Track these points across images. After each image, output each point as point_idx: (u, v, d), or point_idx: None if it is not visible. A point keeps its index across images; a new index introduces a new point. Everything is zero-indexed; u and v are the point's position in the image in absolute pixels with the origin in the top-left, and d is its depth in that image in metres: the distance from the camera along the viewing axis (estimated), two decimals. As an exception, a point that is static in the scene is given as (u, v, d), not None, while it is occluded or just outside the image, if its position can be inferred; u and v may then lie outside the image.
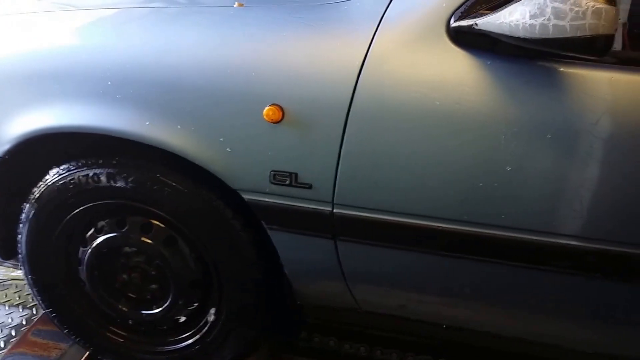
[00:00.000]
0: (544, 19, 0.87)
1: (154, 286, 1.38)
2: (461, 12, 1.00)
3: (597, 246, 1.02)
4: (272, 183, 1.12)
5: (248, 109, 1.09)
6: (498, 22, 0.93)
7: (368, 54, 1.04)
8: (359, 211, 1.11)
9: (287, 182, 1.11)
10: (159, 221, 1.30)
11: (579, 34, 0.86)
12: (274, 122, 1.08)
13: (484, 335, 1.31)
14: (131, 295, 1.43)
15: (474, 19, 0.97)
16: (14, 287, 1.87)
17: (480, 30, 0.96)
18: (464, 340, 1.41)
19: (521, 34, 0.90)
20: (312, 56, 1.08)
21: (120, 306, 1.44)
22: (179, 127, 1.13)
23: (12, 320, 1.73)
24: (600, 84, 0.96)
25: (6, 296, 1.83)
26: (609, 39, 0.86)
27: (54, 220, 1.35)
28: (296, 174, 1.11)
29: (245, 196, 1.16)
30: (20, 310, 1.77)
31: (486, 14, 0.96)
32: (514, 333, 1.30)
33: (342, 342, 1.59)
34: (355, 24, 1.10)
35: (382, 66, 1.04)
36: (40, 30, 1.28)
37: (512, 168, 1.00)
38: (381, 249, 1.16)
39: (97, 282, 1.42)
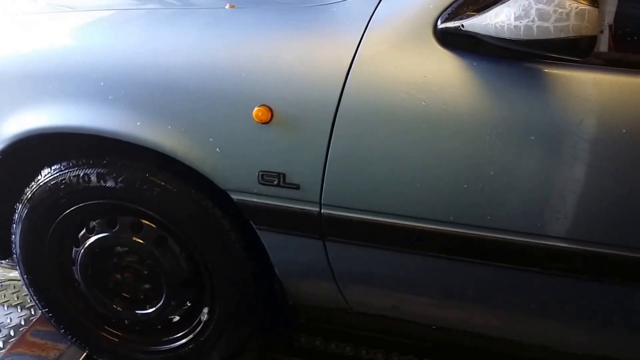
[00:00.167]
0: (529, 21, 0.88)
1: (147, 286, 1.39)
2: (448, 14, 1.01)
3: (583, 247, 1.02)
4: (261, 183, 1.13)
5: (237, 110, 1.10)
6: (484, 23, 0.93)
7: (356, 55, 1.05)
8: (346, 212, 1.11)
9: (275, 182, 1.12)
10: (149, 221, 1.31)
11: (562, 35, 0.86)
12: (263, 123, 1.08)
13: (472, 336, 1.31)
14: (125, 295, 1.44)
15: (461, 21, 0.98)
16: (12, 288, 1.88)
17: (466, 31, 0.97)
18: (451, 340, 1.41)
19: (506, 35, 0.90)
20: (301, 57, 1.08)
21: (114, 306, 1.45)
22: (169, 127, 1.14)
23: (10, 321, 1.74)
24: (585, 85, 0.96)
25: (4, 296, 1.83)
26: (592, 40, 0.86)
27: (46, 221, 1.35)
28: (284, 175, 1.11)
29: (234, 196, 1.16)
30: (19, 310, 1.78)
31: (472, 15, 0.96)
32: (503, 334, 1.30)
33: (329, 342, 1.60)
34: (343, 25, 1.10)
35: (370, 67, 1.04)
36: (35, 31, 1.29)
37: (497, 169, 1.01)
38: (369, 250, 1.16)
39: (91, 281, 1.43)
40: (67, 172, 1.27)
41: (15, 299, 1.83)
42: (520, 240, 1.04)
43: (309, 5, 1.18)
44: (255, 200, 1.15)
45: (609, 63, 0.98)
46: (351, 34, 1.07)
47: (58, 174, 1.28)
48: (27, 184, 1.34)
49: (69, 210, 1.32)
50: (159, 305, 1.39)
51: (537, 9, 0.87)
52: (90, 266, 1.40)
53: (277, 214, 1.15)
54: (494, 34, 0.92)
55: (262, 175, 1.12)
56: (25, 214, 1.35)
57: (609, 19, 0.99)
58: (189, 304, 1.40)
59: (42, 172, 1.31)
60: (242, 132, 1.10)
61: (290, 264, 1.27)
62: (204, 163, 1.15)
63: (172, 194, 1.23)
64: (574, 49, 0.87)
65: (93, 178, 1.25)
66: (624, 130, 0.95)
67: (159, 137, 1.14)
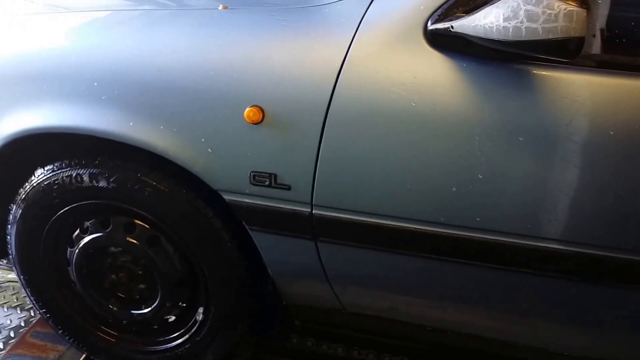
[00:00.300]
0: (517, 22, 0.88)
1: (142, 286, 1.40)
2: (438, 15, 1.01)
3: (572, 249, 1.02)
4: (252, 184, 1.13)
5: (229, 110, 1.10)
6: (473, 24, 0.93)
7: (347, 56, 1.05)
8: (338, 212, 1.11)
9: (267, 183, 1.12)
10: (142, 221, 1.31)
11: (550, 36, 0.86)
12: (254, 123, 1.08)
13: (466, 337, 1.31)
14: (121, 295, 1.44)
15: (450, 22, 0.98)
16: (12, 289, 1.88)
17: (456, 32, 0.97)
18: (444, 342, 1.41)
19: (495, 37, 0.90)
20: (293, 58, 1.08)
21: (110, 306, 1.45)
22: (161, 127, 1.14)
23: (10, 322, 1.74)
24: (573, 87, 0.96)
25: (4, 298, 1.84)
26: (580, 41, 0.86)
27: (40, 221, 1.36)
28: (275, 175, 1.11)
29: (226, 197, 1.17)
30: (19, 312, 1.79)
31: (462, 16, 0.96)
32: (494, 335, 1.30)
33: (320, 342, 1.60)
34: (335, 26, 1.10)
35: (361, 68, 1.04)
36: (29, 32, 1.30)
37: (486, 170, 1.01)
38: (361, 251, 1.16)
39: (87, 282, 1.43)
40: (60, 172, 1.28)
41: (15, 300, 1.84)
42: (510, 242, 1.04)
43: (301, 7, 1.19)
44: (247, 200, 1.15)
45: (598, 65, 0.98)
46: (342, 35, 1.07)
47: (51, 174, 1.28)
48: (23, 185, 1.34)
49: (62, 211, 1.33)
50: (155, 305, 1.39)
51: (525, 10, 0.87)
52: (85, 266, 1.40)
53: (268, 215, 1.16)
54: (482, 35, 0.92)
55: (254, 175, 1.13)
56: (20, 215, 1.36)
57: (601, 22, 0.99)
58: (185, 304, 1.40)
59: (35, 172, 1.31)
60: (234, 133, 1.11)
61: (283, 265, 1.27)
62: (196, 163, 1.15)
63: (164, 194, 1.23)
64: (562, 50, 0.87)
65: (85, 178, 1.26)
66: (612, 132, 0.95)
67: (152, 137, 1.15)
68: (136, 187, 1.23)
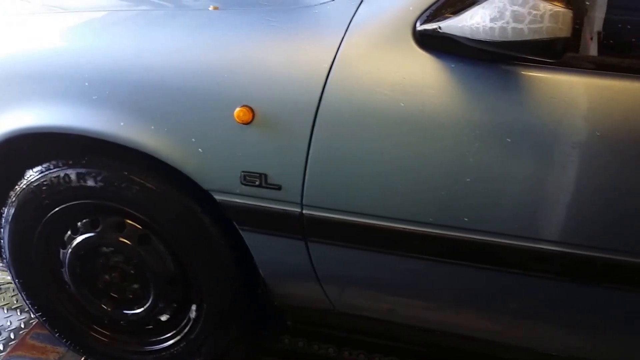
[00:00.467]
0: (504, 22, 0.88)
1: (135, 285, 1.40)
2: (427, 16, 1.01)
3: (560, 249, 1.03)
4: (243, 184, 1.14)
5: (219, 110, 1.10)
6: (460, 25, 0.93)
7: (336, 56, 1.06)
8: (327, 212, 1.12)
9: (257, 183, 1.12)
10: (132, 220, 1.31)
11: (536, 36, 0.87)
12: (244, 123, 1.09)
13: (456, 337, 1.31)
14: (114, 295, 1.44)
15: (438, 22, 0.98)
16: (12, 291, 1.88)
17: (443, 33, 0.97)
18: (435, 342, 1.41)
19: (481, 37, 0.91)
20: (283, 58, 1.09)
21: (105, 307, 1.45)
22: (152, 127, 1.14)
23: (10, 324, 1.74)
24: (561, 88, 0.96)
25: (4, 299, 1.84)
26: (566, 42, 0.86)
27: (32, 223, 1.36)
28: (266, 175, 1.12)
29: (217, 197, 1.17)
30: (19, 313, 1.79)
31: (450, 17, 0.97)
32: (487, 336, 1.30)
33: (311, 343, 1.60)
34: (324, 27, 1.11)
35: (350, 69, 1.05)
36: (22, 32, 1.30)
37: (474, 171, 1.01)
38: (351, 251, 1.16)
39: (80, 283, 1.43)
40: (48, 173, 1.28)
41: (15, 301, 1.84)
42: (499, 242, 1.05)
43: (291, 8, 1.19)
44: (237, 200, 1.16)
45: (586, 66, 0.98)
46: (332, 35, 1.08)
47: (40, 175, 1.29)
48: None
49: (53, 212, 1.33)
50: (148, 304, 1.39)
51: (512, 11, 0.88)
52: (78, 267, 1.40)
53: (259, 215, 1.16)
54: (469, 36, 0.92)
55: (244, 175, 1.13)
56: (12, 217, 1.36)
57: (599, 25, 1.00)
58: (177, 304, 1.40)
59: (25, 174, 1.32)
60: (224, 133, 1.11)
61: (274, 265, 1.28)
62: (186, 163, 1.15)
63: (154, 193, 1.23)
64: (548, 51, 0.88)
65: (73, 178, 1.26)
66: (599, 134, 0.96)
67: (142, 137, 1.15)
68: (124, 185, 1.23)
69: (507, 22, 0.88)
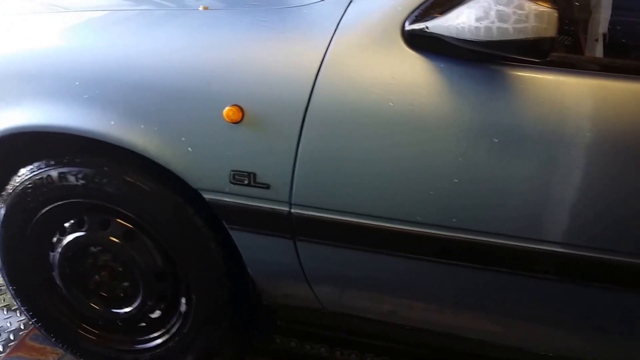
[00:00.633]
0: (489, 22, 0.89)
1: (125, 284, 1.39)
2: (415, 16, 1.02)
3: (548, 248, 1.03)
4: (232, 183, 1.14)
5: (209, 110, 1.10)
6: (446, 24, 0.94)
7: (325, 56, 1.06)
8: (316, 212, 1.12)
9: (246, 182, 1.13)
10: (119, 218, 1.31)
11: (521, 36, 0.87)
12: (234, 123, 1.09)
13: (446, 337, 1.31)
14: (105, 295, 1.44)
15: (426, 22, 0.98)
16: (12, 292, 1.89)
17: (431, 33, 0.98)
18: (424, 341, 1.41)
19: (467, 36, 0.91)
20: (272, 58, 1.09)
21: (97, 307, 1.45)
22: (142, 126, 1.15)
23: (10, 325, 1.74)
24: (550, 88, 0.97)
25: (4, 300, 1.83)
26: (551, 41, 0.87)
27: (21, 226, 1.36)
28: (255, 174, 1.12)
29: (206, 196, 1.17)
30: (18, 314, 1.78)
31: (438, 17, 0.97)
32: (477, 335, 1.31)
33: (304, 343, 1.60)
34: (314, 27, 1.11)
35: (339, 68, 1.05)
36: (14, 32, 1.31)
37: (462, 170, 1.01)
38: (339, 250, 1.16)
39: (71, 285, 1.43)
40: (32, 175, 1.28)
41: (14, 303, 1.81)
42: (487, 241, 1.05)
43: (280, 7, 1.20)
44: (226, 199, 1.16)
45: (575, 66, 0.99)
46: (321, 35, 1.08)
47: (25, 178, 1.29)
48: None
49: (40, 214, 1.33)
50: (138, 302, 1.39)
51: (497, 11, 0.88)
52: (68, 268, 1.40)
53: (248, 214, 1.16)
54: (455, 35, 0.93)
55: (233, 174, 1.13)
56: (2, 222, 1.36)
57: (604, 26, 1.00)
58: (167, 300, 1.40)
59: (12, 178, 1.32)
60: (214, 132, 1.11)
61: (262, 264, 1.28)
62: (176, 162, 1.15)
63: (145, 192, 1.23)
64: (533, 50, 0.88)
65: (55, 178, 1.26)
66: (588, 134, 0.96)
67: (132, 136, 1.15)
68: (105, 181, 1.23)
69: (493, 22, 0.88)
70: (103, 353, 1.54)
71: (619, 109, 0.95)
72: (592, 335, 1.19)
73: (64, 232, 1.37)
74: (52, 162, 1.27)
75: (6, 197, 1.33)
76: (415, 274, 1.16)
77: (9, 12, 1.41)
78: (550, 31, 0.86)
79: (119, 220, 1.32)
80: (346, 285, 1.26)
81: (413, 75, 1.02)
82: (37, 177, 1.28)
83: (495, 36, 0.89)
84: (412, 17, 1.02)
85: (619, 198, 0.98)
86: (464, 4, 0.93)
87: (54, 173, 1.26)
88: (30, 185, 1.29)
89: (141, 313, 1.42)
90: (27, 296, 1.49)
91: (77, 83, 1.17)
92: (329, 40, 1.07)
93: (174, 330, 1.45)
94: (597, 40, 1.02)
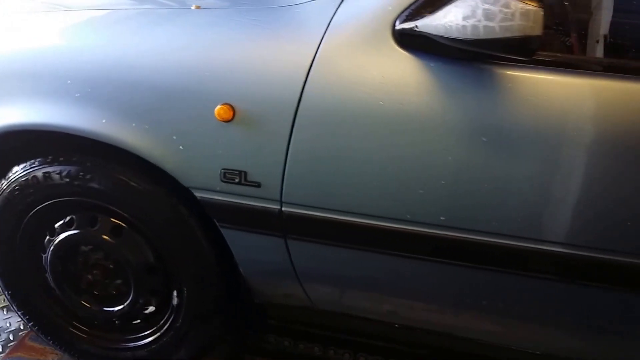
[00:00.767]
0: (475, 20, 0.90)
1: (117, 281, 1.39)
2: (406, 15, 1.02)
3: (539, 247, 1.03)
4: (223, 181, 1.14)
5: (200, 108, 1.11)
6: (434, 23, 0.95)
7: (316, 55, 1.07)
8: (306, 210, 1.12)
9: (237, 180, 1.13)
10: (108, 216, 1.31)
11: (508, 34, 0.88)
12: (225, 121, 1.09)
13: (439, 335, 1.32)
14: (97, 293, 1.43)
15: (415, 22, 0.99)
16: (11, 292, 1.88)
17: (420, 32, 0.98)
18: (417, 340, 1.41)
19: (455, 35, 0.92)
20: (264, 57, 1.10)
21: (90, 306, 1.44)
22: (133, 125, 1.15)
23: (9, 325, 1.73)
24: (538, 87, 0.97)
25: (4, 301, 1.80)
26: (537, 40, 0.88)
27: (12, 229, 1.37)
28: (245, 173, 1.12)
29: (197, 194, 1.18)
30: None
31: (427, 16, 0.98)
32: (470, 334, 1.31)
33: (297, 342, 1.60)
34: (305, 26, 1.12)
35: (330, 67, 1.06)
36: (8, 31, 1.32)
37: (451, 169, 1.02)
38: (330, 248, 1.17)
39: (64, 285, 1.43)
40: (17, 177, 1.28)
41: None
42: (476, 239, 1.05)
43: (273, 7, 1.21)
44: (217, 198, 1.16)
45: (563, 65, 1.00)
46: (312, 34, 1.09)
47: (11, 180, 1.29)
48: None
49: (29, 215, 1.33)
50: (130, 298, 1.38)
51: (483, 9, 0.89)
52: (60, 268, 1.40)
53: (239, 212, 1.16)
54: (443, 34, 0.93)
55: (224, 173, 1.14)
56: None
57: (605, 28, 1.01)
58: (159, 296, 1.40)
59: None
60: (205, 130, 1.12)
61: (253, 262, 1.28)
62: (167, 161, 1.16)
63: (137, 190, 1.24)
64: (519, 49, 0.89)
65: (40, 177, 1.26)
66: (577, 132, 0.96)
67: (124, 134, 1.16)
68: (88, 177, 1.23)
69: (479, 20, 0.89)
70: (100, 353, 1.53)
71: (608, 108, 0.96)
72: (592, 335, 1.19)
73: (55, 233, 1.36)
74: (36, 163, 1.27)
75: None
76: (406, 272, 1.16)
77: (8, 11, 1.41)
78: (536, 29, 0.87)
79: (108, 218, 1.32)
80: (337, 284, 1.27)
81: (403, 75, 1.03)
82: (23, 179, 1.28)
83: (481, 34, 0.89)
84: (403, 16, 1.03)
85: (618, 198, 0.98)
86: (452, 2, 0.93)
87: (38, 173, 1.26)
88: (17, 187, 1.29)
89: (135, 309, 1.42)
90: (23, 300, 1.49)
91: (69, 82, 1.17)
92: (320, 40, 1.08)
93: (167, 325, 1.45)
94: (597, 41, 1.03)
